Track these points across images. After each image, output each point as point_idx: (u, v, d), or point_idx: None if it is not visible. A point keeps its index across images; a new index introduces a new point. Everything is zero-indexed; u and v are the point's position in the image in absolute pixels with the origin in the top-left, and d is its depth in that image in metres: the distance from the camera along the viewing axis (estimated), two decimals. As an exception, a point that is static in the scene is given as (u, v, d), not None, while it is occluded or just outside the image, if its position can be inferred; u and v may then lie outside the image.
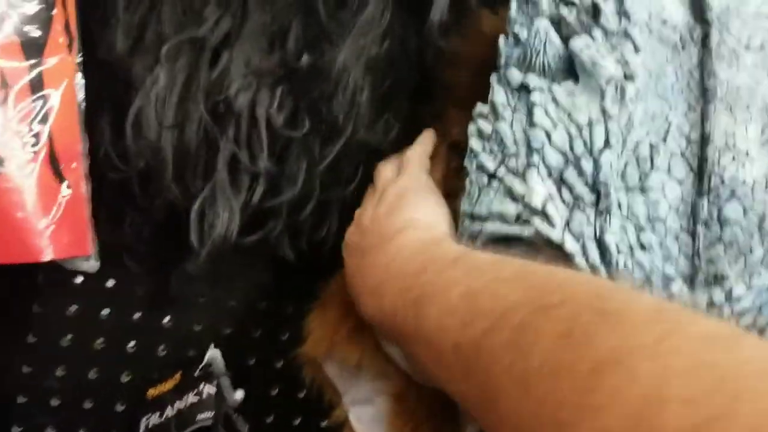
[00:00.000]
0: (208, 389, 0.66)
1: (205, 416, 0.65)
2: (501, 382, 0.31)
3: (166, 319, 0.72)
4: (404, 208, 0.51)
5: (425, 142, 0.61)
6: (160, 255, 0.63)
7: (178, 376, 0.69)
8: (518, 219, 0.47)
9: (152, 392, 0.69)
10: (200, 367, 0.69)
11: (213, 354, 0.70)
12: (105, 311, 0.70)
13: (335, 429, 0.72)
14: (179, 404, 0.67)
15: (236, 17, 0.57)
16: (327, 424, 0.70)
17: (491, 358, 0.32)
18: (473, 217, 0.50)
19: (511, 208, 0.47)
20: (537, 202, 0.46)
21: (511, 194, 0.48)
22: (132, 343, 0.71)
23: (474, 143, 0.52)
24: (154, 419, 0.67)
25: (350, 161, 0.61)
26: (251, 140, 0.57)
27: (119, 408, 0.72)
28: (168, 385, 0.69)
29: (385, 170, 0.58)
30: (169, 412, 0.67)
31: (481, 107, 0.54)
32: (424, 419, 0.59)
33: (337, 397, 0.69)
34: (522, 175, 0.47)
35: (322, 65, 0.57)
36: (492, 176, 0.50)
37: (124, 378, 0.72)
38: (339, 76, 0.56)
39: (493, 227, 0.48)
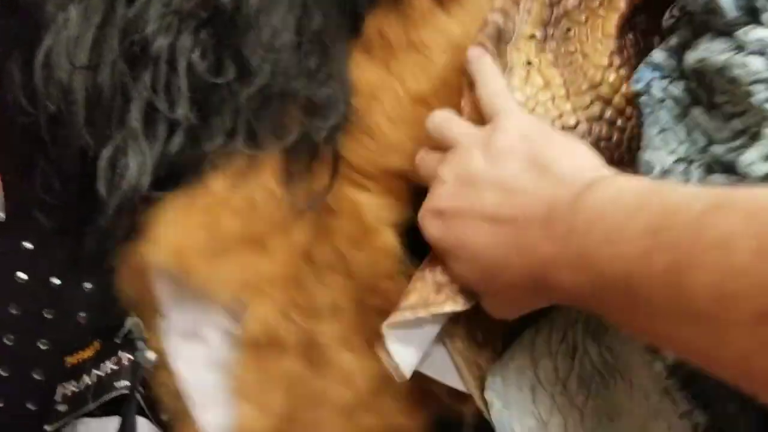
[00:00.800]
0: (127, 357, 0.63)
1: (123, 384, 0.62)
2: None
3: (88, 283, 0.68)
4: (548, 151, 0.41)
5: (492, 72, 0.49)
6: (73, 209, 0.59)
7: (97, 343, 0.65)
8: None
9: (70, 360, 0.66)
10: (120, 334, 0.65)
11: (134, 321, 0.66)
12: (21, 275, 0.66)
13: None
14: (97, 372, 0.64)
15: (155, -49, 0.53)
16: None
17: None
18: None
19: None
20: None
21: None
22: (50, 309, 0.67)
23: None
24: (71, 387, 0.64)
25: (278, 112, 0.57)
26: (170, 86, 0.54)
27: (36, 377, 0.68)
28: (87, 353, 0.65)
29: (453, 123, 0.48)
30: (87, 380, 0.64)
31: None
32: None
33: None
34: None
35: (245, 7, 0.53)
36: None
37: (42, 346, 0.68)
38: (253, 15, 0.53)
39: None
